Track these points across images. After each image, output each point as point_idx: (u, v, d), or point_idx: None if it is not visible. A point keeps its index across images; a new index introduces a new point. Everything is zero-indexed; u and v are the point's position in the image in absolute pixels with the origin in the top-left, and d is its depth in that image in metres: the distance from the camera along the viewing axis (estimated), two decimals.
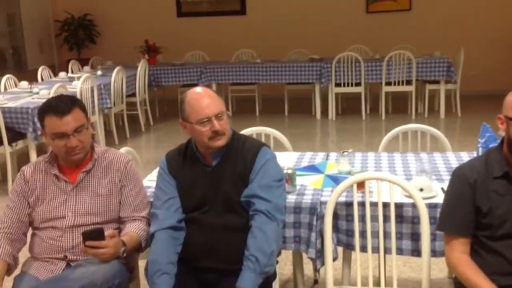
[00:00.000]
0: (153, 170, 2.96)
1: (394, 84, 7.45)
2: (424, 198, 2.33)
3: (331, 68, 7.45)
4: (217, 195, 2.21)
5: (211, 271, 2.17)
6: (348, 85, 7.52)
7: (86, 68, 7.87)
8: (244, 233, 2.13)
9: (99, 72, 7.32)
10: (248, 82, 8.04)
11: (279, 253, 2.30)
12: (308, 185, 2.64)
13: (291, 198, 2.45)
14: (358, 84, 7.50)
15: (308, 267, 3.15)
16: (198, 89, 2.27)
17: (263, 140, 3.07)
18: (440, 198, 2.33)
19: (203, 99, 2.19)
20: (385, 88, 7.51)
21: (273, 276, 2.24)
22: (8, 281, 2.24)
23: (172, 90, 8.56)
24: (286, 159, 2.98)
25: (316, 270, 3.10)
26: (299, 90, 8.18)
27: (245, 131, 3.10)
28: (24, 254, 2.35)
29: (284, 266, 3.25)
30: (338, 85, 7.56)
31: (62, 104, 2.26)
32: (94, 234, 2.10)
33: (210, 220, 2.20)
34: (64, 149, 2.24)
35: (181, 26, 9.72)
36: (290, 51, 8.55)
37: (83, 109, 2.32)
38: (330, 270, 2.34)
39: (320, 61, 7.70)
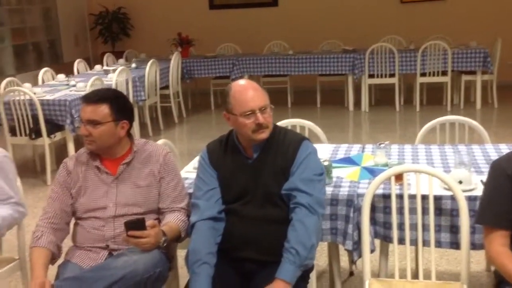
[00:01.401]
0: (186, 162, 3.00)
1: (429, 75, 7.35)
2: (464, 191, 2.30)
3: (364, 59, 7.38)
4: (257, 187, 2.22)
5: (250, 262, 2.20)
6: (381, 76, 7.45)
7: (121, 61, 7.98)
8: (283, 225, 2.15)
9: (133, 65, 7.42)
10: (280, 74, 8.03)
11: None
12: (345, 177, 2.63)
13: (327, 190, 2.45)
14: (392, 75, 7.42)
15: (343, 259, 3.15)
16: (243, 81, 2.28)
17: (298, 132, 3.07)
18: (479, 191, 2.30)
19: (247, 92, 2.21)
20: (420, 79, 7.40)
21: (311, 268, 2.25)
22: (52, 269, 2.31)
23: (204, 82, 8.62)
24: (322, 151, 2.98)
25: (352, 262, 3.10)
26: (331, 81, 8.14)
27: (281, 123, 3.10)
28: (66, 243, 2.42)
29: (320, 257, 3.26)
30: (371, 76, 7.49)
31: (94, 94, 2.37)
32: (136, 224, 2.15)
33: (249, 211, 2.21)
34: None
35: (213, 19, 9.76)
36: (322, 42, 8.51)
37: (113, 108, 2.33)
38: (368, 262, 2.34)
39: (353, 52, 7.64)
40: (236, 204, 2.25)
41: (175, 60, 7.64)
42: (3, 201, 2.52)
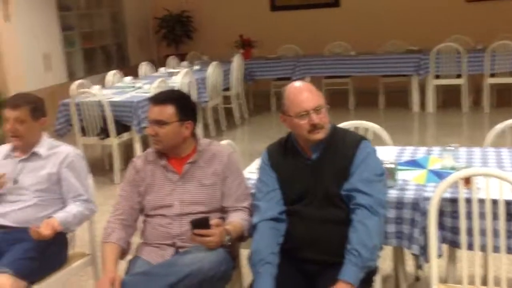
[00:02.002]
0: (247, 162, 3.03)
1: (499, 76, 7.08)
2: None
3: (429, 60, 7.20)
4: (317, 188, 2.23)
5: (312, 263, 2.20)
6: (448, 77, 7.24)
7: (184, 63, 8.13)
8: (344, 226, 2.14)
9: (196, 67, 7.55)
10: (342, 75, 7.96)
11: (380, 248, 2.28)
12: (411, 180, 2.58)
13: (392, 193, 2.42)
14: (458, 76, 7.20)
15: (408, 264, 3.09)
16: (297, 83, 2.30)
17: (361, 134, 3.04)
18: None
19: (302, 93, 2.22)
20: (489, 80, 7.15)
21: (374, 270, 2.23)
22: (122, 265, 2.39)
23: (265, 84, 8.66)
24: (386, 154, 2.93)
25: (418, 267, 3.04)
26: (395, 82, 7.98)
27: (343, 125, 3.08)
28: (135, 240, 2.50)
29: (385, 261, 3.21)
30: (437, 77, 7.30)
31: (160, 95, 2.45)
32: (201, 223, 2.20)
33: (310, 212, 2.22)
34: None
35: (275, 20, 9.80)
36: (385, 42, 8.36)
37: (178, 109, 2.39)
38: (435, 267, 2.28)
39: (418, 53, 7.47)
40: (296, 205, 2.26)
41: (237, 62, 7.72)
42: (74, 198, 2.64)
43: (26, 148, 2.69)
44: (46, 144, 2.72)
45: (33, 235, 2.38)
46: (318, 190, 2.23)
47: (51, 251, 2.57)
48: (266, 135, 6.62)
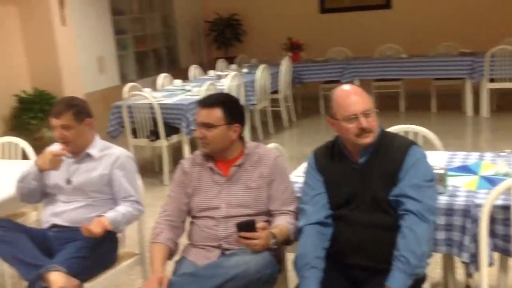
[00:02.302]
0: (295, 165, 3.02)
1: None
2: None
3: (483, 63, 7.00)
4: (364, 192, 2.20)
5: (359, 269, 2.18)
6: (503, 81, 7.01)
7: (233, 66, 8.20)
8: (393, 232, 2.10)
9: (244, 70, 7.60)
10: (392, 78, 7.84)
11: (429, 255, 2.23)
12: (461, 186, 2.52)
13: (442, 199, 2.36)
14: None
15: (458, 272, 3.01)
16: (346, 86, 2.29)
17: (410, 138, 2.98)
18: None
19: (350, 96, 2.20)
20: None
21: (423, 278, 2.18)
22: (170, 265, 2.43)
23: (314, 87, 8.63)
24: (436, 159, 2.87)
25: (468, 275, 2.95)
26: (447, 86, 7.79)
27: (392, 129, 3.03)
28: (183, 241, 2.54)
29: (434, 269, 3.14)
30: (492, 80, 7.08)
31: (209, 98, 2.49)
32: (246, 226, 2.21)
33: (357, 217, 2.20)
34: None
35: (324, 22, 9.75)
36: (438, 45, 8.18)
37: (226, 112, 2.41)
38: (485, 276, 2.22)
39: (472, 55, 7.27)
40: (343, 210, 2.24)
41: (285, 65, 7.72)
42: (124, 198, 2.70)
43: (78, 151, 2.75)
44: (98, 146, 2.78)
45: (84, 233, 2.45)
46: (365, 195, 2.20)
47: (102, 250, 2.63)
48: (314, 138, 6.58)
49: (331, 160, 2.31)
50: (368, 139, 2.19)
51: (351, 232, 2.20)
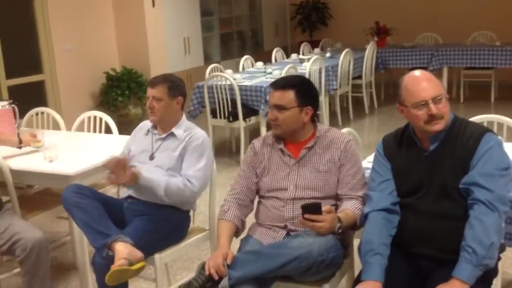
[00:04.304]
0: (372, 152, 2.96)
1: None
2: None
3: None
4: (433, 180, 2.13)
5: (425, 258, 2.12)
6: None
7: (316, 50, 8.13)
8: (462, 222, 2.02)
9: (328, 54, 7.51)
10: (484, 67, 7.46)
11: (503, 249, 2.12)
12: None
13: None
14: None
15: None
16: (416, 72, 2.20)
17: (494, 129, 2.83)
18: None
19: (419, 82, 2.13)
20: None
21: (493, 271, 2.08)
22: (236, 242, 2.47)
23: (399, 73, 8.28)
24: None
25: None
26: None
27: (474, 119, 2.90)
28: (249, 219, 2.57)
29: (510, 265, 2.98)
30: None
31: (281, 81, 2.49)
32: (312, 208, 2.20)
33: (425, 206, 2.13)
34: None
35: (415, 7, 9.42)
36: None
37: (298, 95, 2.40)
38: None
39: None
40: (410, 198, 2.18)
41: (370, 50, 7.55)
42: (182, 175, 2.72)
43: (165, 128, 2.83)
44: (183, 126, 2.83)
45: (108, 179, 2.55)
46: (434, 182, 2.13)
47: (171, 226, 2.71)
48: (395, 126, 6.31)
49: (400, 147, 2.25)
50: (438, 126, 2.11)
51: (418, 221, 2.13)
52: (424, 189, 2.15)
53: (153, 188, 2.64)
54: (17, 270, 2.85)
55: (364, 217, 2.25)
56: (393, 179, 2.23)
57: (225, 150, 6.18)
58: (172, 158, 2.75)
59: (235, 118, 5.51)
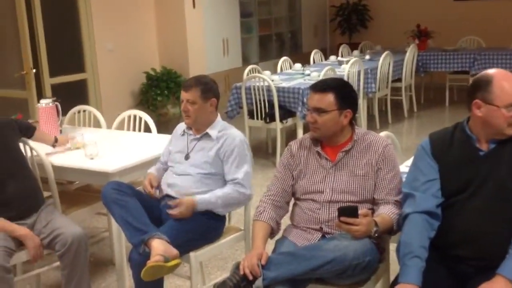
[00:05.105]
0: (410, 157, 2.92)
1: None
2: None
3: None
4: (487, 181, 2.07)
5: (468, 263, 2.07)
6: None
7: (355, 52, 8.06)
8: None
9: (367, 57, 7.44)
10: None
11: None
12: None
13: None
14: None
15: None
16: (507, 72, 2.13)
17: None
18: None
19: None
20: None
21: None
22: (271, 244, 2.48)
23: (440, 77, 8.25)
24: None
25: None
26: None
27: None
28: (284, 221, 2.57)
29: None
30: None
31: (321, 83, 2.48)
32: (348, 211, 2.19)
33: (476, 205, 2.08)
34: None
35: (457, 10, 9.25)
36: None
37: (338, 97, 2.39)
38: None
39: None
40: (458, 197, 2.12)
41: (410, 53, 7.45)
42: (230, 181, 2.76)
43: (200, 128, 2.86)
44: (218, 126, 2.86)
45: (173, 213, 2.65)
46: (488, 183, 2.07)
47: (207, 226, 2.74)
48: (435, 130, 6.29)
49: (450, 146, 2.20)
50: None
51: (466, 222, 2.08)
52: (476, 189, 2.09)
53: (212, 209, 2.73)
54: (56, 264, 2.92)
55: (403, 217, 2.20)
56: (439, 179, 2.18)
57: (262, 151, 6.20)
58: (206, 158, 2.80)
59: (272, 119, 5.52)
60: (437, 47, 8.21)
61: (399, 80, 7.36)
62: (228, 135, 2.82)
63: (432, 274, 2.07)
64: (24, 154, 3.04)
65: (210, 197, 2.72)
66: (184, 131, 2.94)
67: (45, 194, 3.10)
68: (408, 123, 7.28)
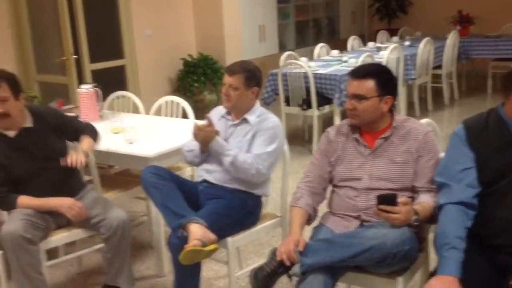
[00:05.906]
0: None
1: None
2: None
3: None
4: None
5: (508, 251, 2.02)
6: None
7: (395, 38, 7.92)
8: None
9: (406, 43, 7.31)
10: None
11: None
12: None
13: None
14: None
15: None
16: None
17: None
18: None
19: None
20: None
21: None
22: (308, 230, 2.47)
23: (482, 64, 8.03)
24: None
25: None
26: None
27: None
28: (322, 208, 2.56)
29: None
30: None
31: (361, 69, 2.44)
32: (387, 199, 2.16)
33: None
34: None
35: None
36: None
37: (379, 84, 2.35)
38: None
39: None
40: (497, 185, 2.07)
41: (451, 39, 7.27)
42: (253, 153, 2.73)
43: (239, 114, 2.86)
44: (257, 112, 2.86)
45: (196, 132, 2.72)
46: None
47: (244, 212, 2.75)
48: None
49: (485, 132, 2.15)
50: None
51: (506, 207, 2.03)
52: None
53: (222, 154, 2.72)
54: (98, 246, 2.98)
55: (439, 207, 2.16)
56: (475, 167, 2.13)
57: (298, 138, 6.17)
58: (244, 143, 2.79)
59: (309, 106, 5.48)
60: (480, 34, 7.99)
61: (440, 67, 7.20)
62: (265, 120, 2.82)
63: (471, 265, 2.02)
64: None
65: (226, 145, 2.75)
66: (222, 116, 2.94)
67: (86, 178, 3.16)
68: (448, 111, 7.13)
